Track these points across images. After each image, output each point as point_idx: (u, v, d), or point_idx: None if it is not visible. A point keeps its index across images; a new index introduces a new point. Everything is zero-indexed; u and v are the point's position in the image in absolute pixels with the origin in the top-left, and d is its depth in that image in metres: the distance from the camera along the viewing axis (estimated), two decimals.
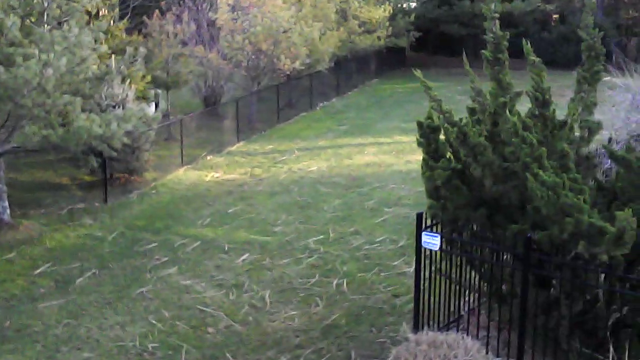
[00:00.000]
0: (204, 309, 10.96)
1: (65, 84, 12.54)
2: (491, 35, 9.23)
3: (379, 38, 34.76)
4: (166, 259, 12.97)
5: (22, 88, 11.63)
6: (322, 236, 14.11)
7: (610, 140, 10.35)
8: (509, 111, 8.47)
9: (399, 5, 40.32)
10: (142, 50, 15.57)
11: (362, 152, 21.15)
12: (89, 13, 17.31)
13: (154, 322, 10.48)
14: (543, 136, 8.37)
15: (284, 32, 23.85)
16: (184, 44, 23.81)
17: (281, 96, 26.98)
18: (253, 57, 24.22)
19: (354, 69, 34.72)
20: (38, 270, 12.33)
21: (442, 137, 9.21)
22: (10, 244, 13.50)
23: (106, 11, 18.51)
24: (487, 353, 8.46)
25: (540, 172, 7.76)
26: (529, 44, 9.46)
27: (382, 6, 34.75)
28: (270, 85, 27.01)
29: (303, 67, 25.21)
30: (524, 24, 42.75)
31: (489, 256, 8.83)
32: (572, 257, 8.04)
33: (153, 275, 12.21)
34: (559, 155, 8.31)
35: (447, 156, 9.10)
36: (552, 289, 8.65)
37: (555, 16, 48.27)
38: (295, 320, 10.58)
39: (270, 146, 22.20)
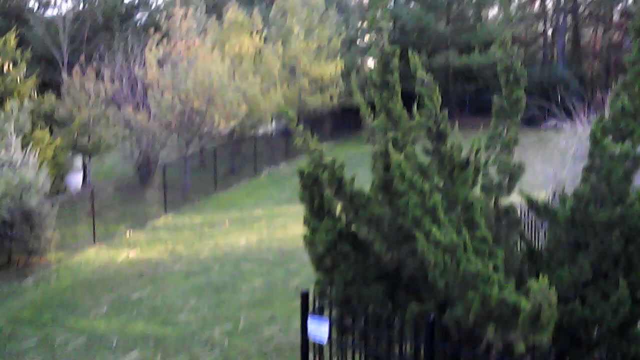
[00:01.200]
0: None
1: None
2: (377, 50, 7.38)
3: (331, 97, 32.97)
4: (39, 356, 10.81)
5: None
6: (231, 325, 11.97)
7: (554, 195, 8.57)
8: (401, 150, 6.61)
9: (355, 62, 38.90)
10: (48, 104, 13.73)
11: (299, 222, 19.16)
12: None
13: None
14: (442, 181, 6.50)
15: (218, 88, 21.93)
16: (108, 103, 21.86)
17: (222, 161, 25.15)
18: (184, 116, 22.29)
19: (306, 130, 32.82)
20: None
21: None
22: None
23: (10, 66, 16.67)
24: None
25: (434, 230, 5.85)
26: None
27: (334, 62, 33.04)
28: (209, 149, 25.14)
29: (240, 128, 23.30)
30: (484, 78, 41.54)
31: (386, 348, 6.86)
32: (485, 348, 6.10)
33: None
34: (462, 207, 6.41)
35: (336, 214, 7.22)
36: None
37: None
38: None
39: (201, 218, 20.22)
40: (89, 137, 21.10)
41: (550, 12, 49.06)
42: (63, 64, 32.49)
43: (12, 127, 14.50)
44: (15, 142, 15.64)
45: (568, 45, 48.85)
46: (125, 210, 20.11)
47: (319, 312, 7.20)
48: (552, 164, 14.23)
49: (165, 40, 23.92)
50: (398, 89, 7.41)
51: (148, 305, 13.11)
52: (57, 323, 12.33)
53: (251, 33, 28.43)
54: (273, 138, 28.05)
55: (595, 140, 6.71)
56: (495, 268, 6.07)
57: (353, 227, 7.05)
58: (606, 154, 6.57)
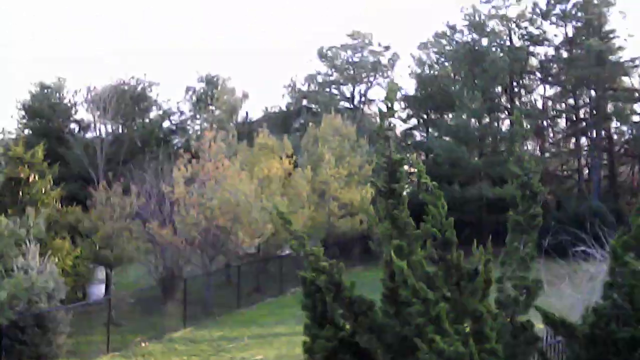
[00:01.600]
0: None
1: None
2: (383, 159, 7.27)
3: (361, 222, 32.79)
4: None
5: None
6: None
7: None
8: (406, 258, 6.34)
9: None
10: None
11: None
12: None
13: None
14: (449, 291, 6.18)
15: (244, 206, 21.98)
16: (133, 217, 21.97)
17: (248, 279, 24.90)
18: (209, 233, 22.25)
19: (335, 253, 32.56)
20: None
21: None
22: None
23: (36, 177, 17.00)
24: None
25: (438, 339, 5.50)
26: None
27: (364, 188, 33.08)
28: (235, 267, 24.96)
29: (266, 247, 23.15)
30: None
31: None
32: None
33: None
34: (471, 318, 6.06)
35: (339, 323, 6.89)
36: None
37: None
38: None
39: (220, 332, 19.79)
40: (112, 249, 21.08)
41: (585, 149, 49.09)
42: (98, 182, 33.26)
43: (29, 234, 14.54)
44: (33, 248, 15.67)
45: (604, 181, 48.53)
46: (144, 322, 19.83)
47: None
48: (581, 290, 13.74)
49: (194, 161, 24.29)
50: (405, 197, 7.25)
51: None
52: None
53: (280, 157, 28.82)
54: (299, 258, 27.72)
55: (616, 256, 6.40)
56: None
57: (356, 337, 6.70)
58: (628, 270, 6.23)
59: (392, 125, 7.56)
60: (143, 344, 17.97)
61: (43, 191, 17.94)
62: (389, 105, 7.69)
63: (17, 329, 14.96)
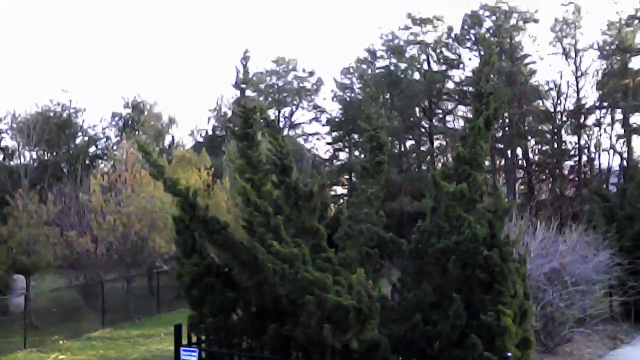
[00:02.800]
0: None
1: None
2: (239, 108, 8.42)
3: None
4: None
5: None
6: None
7: None
8: (258, 189, 7.47)
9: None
10: None
11: None
12: None
13: None
14: (290, 211, 7.32)
15: (160, 213, 22.82)
16: (49, 224, 22.54)
17: (171, 288, 25.63)
18: (127, 239, 22.99)
19: None
20: None
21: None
22: None
23: None
24: None
25: (275, 243, 6.62)
26: None
27: None
28: (154, 274, 25.68)
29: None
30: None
31: None
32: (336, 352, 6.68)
33: None
34: (310, 233, 7.21)
35: (204, 253, 7.94)
36: None
37: None
38: None
39: (139, 332, 20.48)
40: (29, 254, 21.55)
41: (501, 167, 51.40)
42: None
43: None
44: None
45: (522, 198, 50.98)
46: (63, 326, 20.40)
47: (190, 345, 7.74)
48: None
49: (111, 170, 25.03)
50: (258, 139, 8.36)
51: None
52: None
53: (199, 169, 29.73)
54: None
55: (435, 183, 7.65)
56: (337, 282, 6.77)
57: (216, 259, 7.74)
58: (444, 194, 7.48)
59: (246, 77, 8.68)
60: (61, 342, 18.54)
61: None
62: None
63: None
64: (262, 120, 7.95)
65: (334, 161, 53.62)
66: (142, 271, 25.45)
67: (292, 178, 7.55)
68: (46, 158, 44.56)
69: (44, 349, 17.70)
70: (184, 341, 8.24)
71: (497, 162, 51.72)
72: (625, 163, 43.68)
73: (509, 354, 6.20)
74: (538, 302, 13.48)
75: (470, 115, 8.86)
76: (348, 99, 51.83)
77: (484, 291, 7.04)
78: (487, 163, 53.59)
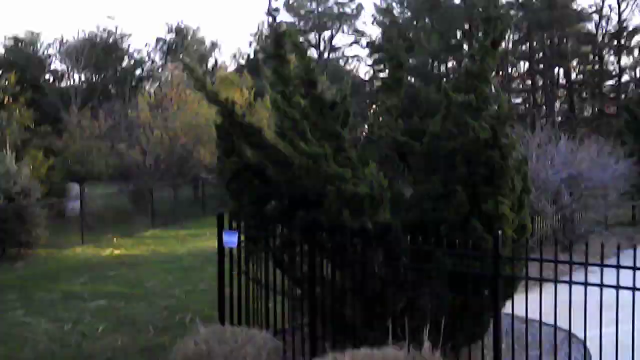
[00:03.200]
0: (30, 336, 10.58)
1: None
2: (272, 30, 9.46)
3: None
4: (18, 303, 12.68)
5: None
6: (191, 287, 13.89)
7: None
8: (288, 100, 8.61)
9: None
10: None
11: None
12: None
13: None
14: (316, 118, 8.46)
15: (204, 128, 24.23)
16: (101, 138, 24.19)
17: (213, 195, 27.30)
18: (173, 151, 24.54)
19: None
20: None
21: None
22: None
23: (10, 99, 18.99)
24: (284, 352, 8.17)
25: (302, 144, 7.81)
26: None
27: None
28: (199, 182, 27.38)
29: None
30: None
31: (280, 247, 8.72)
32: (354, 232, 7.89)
33: None
34: (334, 137, 8.37)
35: (243, 154, 9.13)
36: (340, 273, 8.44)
37: None
38: (119, 342, 10.22)
39: (186, 232, 22.22)
40: (82, 165, 23.23)
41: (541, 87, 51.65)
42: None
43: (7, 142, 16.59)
44: (10, 154, 17.84)
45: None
46: (115, 227, 22.14)
47: (232, 228, 9.06)
48: None
49: (157, 90, 26.48)
50: (288, 58, 9.37)
51: (121, 278, 15.03)
52: (39, 287, 14.22)
53: (241, 89, 30.98)
54: None
55: (446, 94, 8.71)
56: (354, 175, 7.95)
57: (252, 158, 8.93)
58: (453, 103, 8.55)
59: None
60: (114, 240, 20.32)
61: (18, 111, 19.83)
62: None
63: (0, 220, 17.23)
64: (292, 43, 8.99)
65: (374, 81, 54.37)
66: (188, 181, 27.08)
67: (317, 90, 8.65)
68: (94, 80, 46.18)
69: (99, 245, 19.46)
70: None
71: (537, 82, 52.10)
72: None
73: (500, 232, 7.34)
74: (558, 205, 14.69)
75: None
76: (388, 22, 52.14)
77: (486, 185, 8.15)
78: (528, 82, 54.26)
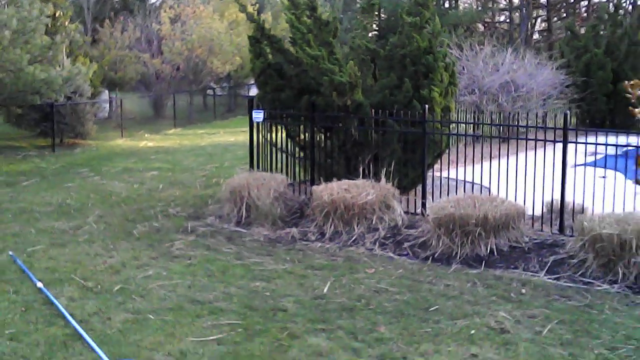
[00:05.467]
0: (112, 190, 15.08)
1: (18, 44, 16.81)
2: None
3: None
4: (92, 174, 17.15)
5: None
6: (218, 164, 18.38)
7: None
8: (298, 19, 12.84)
9: None
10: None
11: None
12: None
13: (72, 194, 14.59)
14: (316, 32, 12.73)
15: (217, 40, 28.41)
16: (130, 49, 28.35)
17: (222, 105, 31.54)
18: (190, 61, 28.75)
19: None
20: None
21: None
22: None
23: (62, 13, 22.91)
24: (289, 182, 12.66)
25: (307, 49, 12.12)
26: None
27: None
28: (210, 90, 31.67)
29: (235, 77, 29.70)
30: None
31: (290, 122, 13.15)
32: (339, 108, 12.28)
33: (78, 179, 16.37)
34: (328, 44, 12.66)
35: (267, 57, 13.42)
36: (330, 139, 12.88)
37: None
38: (177, 193, 14.71)
39: (203, 131, 26.70)
40: (115, 72, 27.49)
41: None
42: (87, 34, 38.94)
43: (64, 51, 20.64)
44: (66, 59, 21.94)
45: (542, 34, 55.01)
46: (144, 127, 26.57)
47: (258, 108, 13.42)
48: None
49: (176, 5, 30.41)
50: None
51: (162, 159, 19.51)
52: (101, 164, 18.68)
53: (246, 5, 34.82)
54: None
55: (401, 17, 12.92)
56: (341, 70, 12.28)
57: (275, 60, 13.23)
58: (405, 23, 12.77)
59: None
60: (146, 135, 24.76)
61: (66, 24, 23.74)
62: None
63: (60, 115, 21.55)
64: None
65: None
66: (200, 89, 31.37)
67: (318, 13, 12.87)
68: None
69: (135, 140, 23.91)
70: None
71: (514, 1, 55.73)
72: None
73: (427, 106, 11.71)
74: (496, 105, 19.07)
75: None
76: None
77: (424, 79, 12.48)
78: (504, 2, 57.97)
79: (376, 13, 14.39)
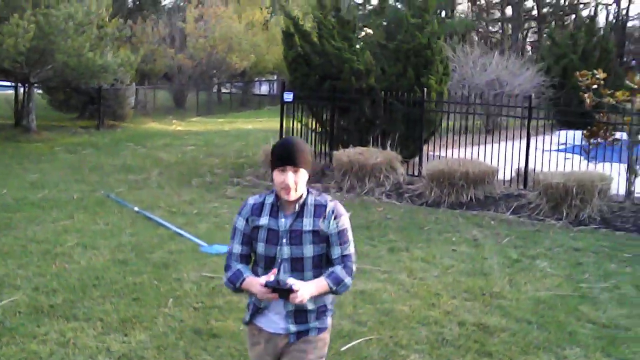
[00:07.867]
0: (161, 157, 18.13)
1: (79, 34, 19.85)
2: None
3: None
4: (139, 146, 20.18)
5: (54, 30, 18.95)
6: (244, 143, 21.48)
7: None
8: (325, 17, 15.93)
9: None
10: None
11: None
12: None
13: (130, 159, 17.65)
14: (339, 28, 15.82)
15: (235, 39, 31.57)
16: (160, 44, 31.48)
17: (237, 100, 34.67)
18: (211, 57, 31.89)
19: None
20: (56, 148, 19.42)
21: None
22: (35, 139, 20.70)
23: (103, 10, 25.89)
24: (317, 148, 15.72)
25: (332, 41, 15.23)
26: None
27: None
28: (226, 87, 34.80)
29: (250, 74, 32.86)
30: None
31: (315, 103, 16.23)
32: (356, 90, 15.36)
33: (129, 150, 19.43)
34: (347, 39, 15.76)
35: (299, 48, 16.46)
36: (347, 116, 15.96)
37: None
38: (216, 161, 17.75)
39: (223, 120, 29.84)
40: (147, 64, 30.58)
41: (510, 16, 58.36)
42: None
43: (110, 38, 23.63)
44: (110, 51, 24.96)
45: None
46: (170, 114, 29.65)
47: (288, 91, 16.49)
48: None
49: (200, 6, 33.56)
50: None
51: (194, 139, 22.56)
52: (144, 140, 21.69)
53: (261, 8, 38.00)
54: (276, 90, 37.62)
55: (406, 18, 16.04)
56: (358, 59, 15.35)
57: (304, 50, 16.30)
58: (410, 24, 15.89)
59: None
60: (173, 121, 27.83)
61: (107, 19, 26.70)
62: None
63: (104, 98, 24.60)
64: None
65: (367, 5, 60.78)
66: (218, 84, 34.46)
67: (341, 12, 15.95)
68: None
69: (164, 124, 26.98)
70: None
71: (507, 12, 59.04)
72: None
73: (425, 90, 14.80)
74: (482, 99, 22.17)
75: None
76: None
77: (424, 69, 15.59)
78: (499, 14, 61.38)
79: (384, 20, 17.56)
